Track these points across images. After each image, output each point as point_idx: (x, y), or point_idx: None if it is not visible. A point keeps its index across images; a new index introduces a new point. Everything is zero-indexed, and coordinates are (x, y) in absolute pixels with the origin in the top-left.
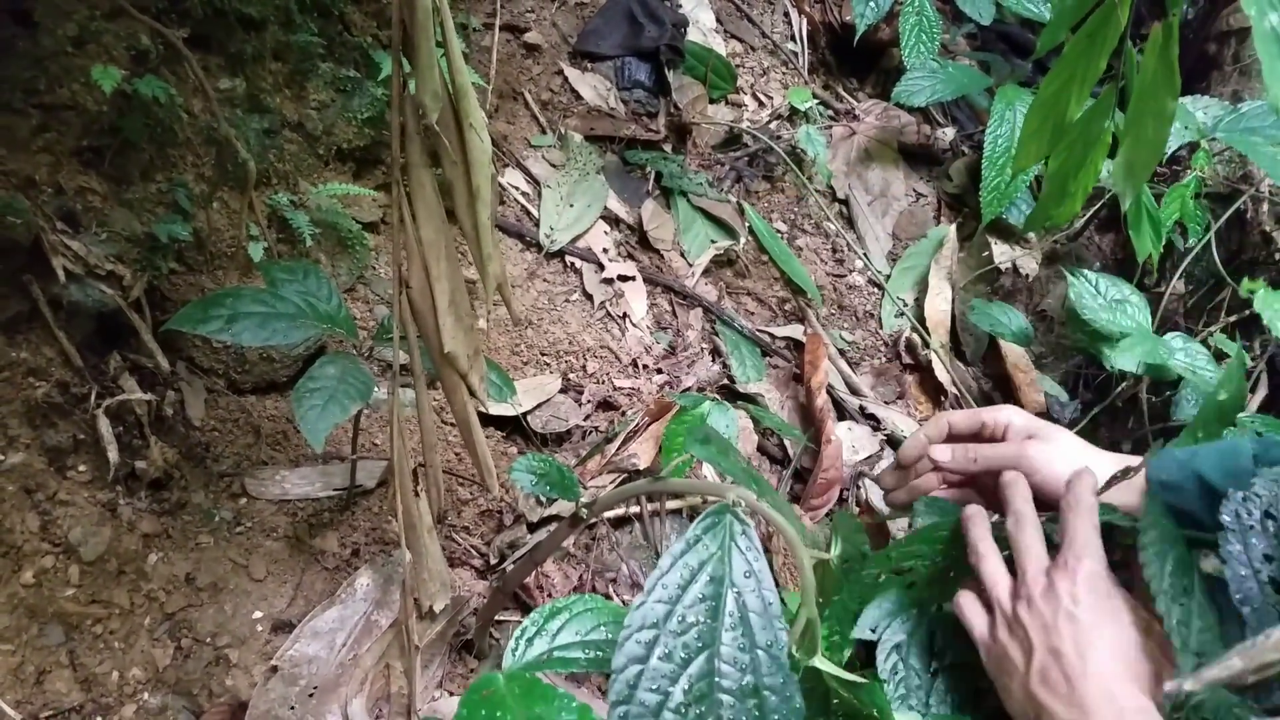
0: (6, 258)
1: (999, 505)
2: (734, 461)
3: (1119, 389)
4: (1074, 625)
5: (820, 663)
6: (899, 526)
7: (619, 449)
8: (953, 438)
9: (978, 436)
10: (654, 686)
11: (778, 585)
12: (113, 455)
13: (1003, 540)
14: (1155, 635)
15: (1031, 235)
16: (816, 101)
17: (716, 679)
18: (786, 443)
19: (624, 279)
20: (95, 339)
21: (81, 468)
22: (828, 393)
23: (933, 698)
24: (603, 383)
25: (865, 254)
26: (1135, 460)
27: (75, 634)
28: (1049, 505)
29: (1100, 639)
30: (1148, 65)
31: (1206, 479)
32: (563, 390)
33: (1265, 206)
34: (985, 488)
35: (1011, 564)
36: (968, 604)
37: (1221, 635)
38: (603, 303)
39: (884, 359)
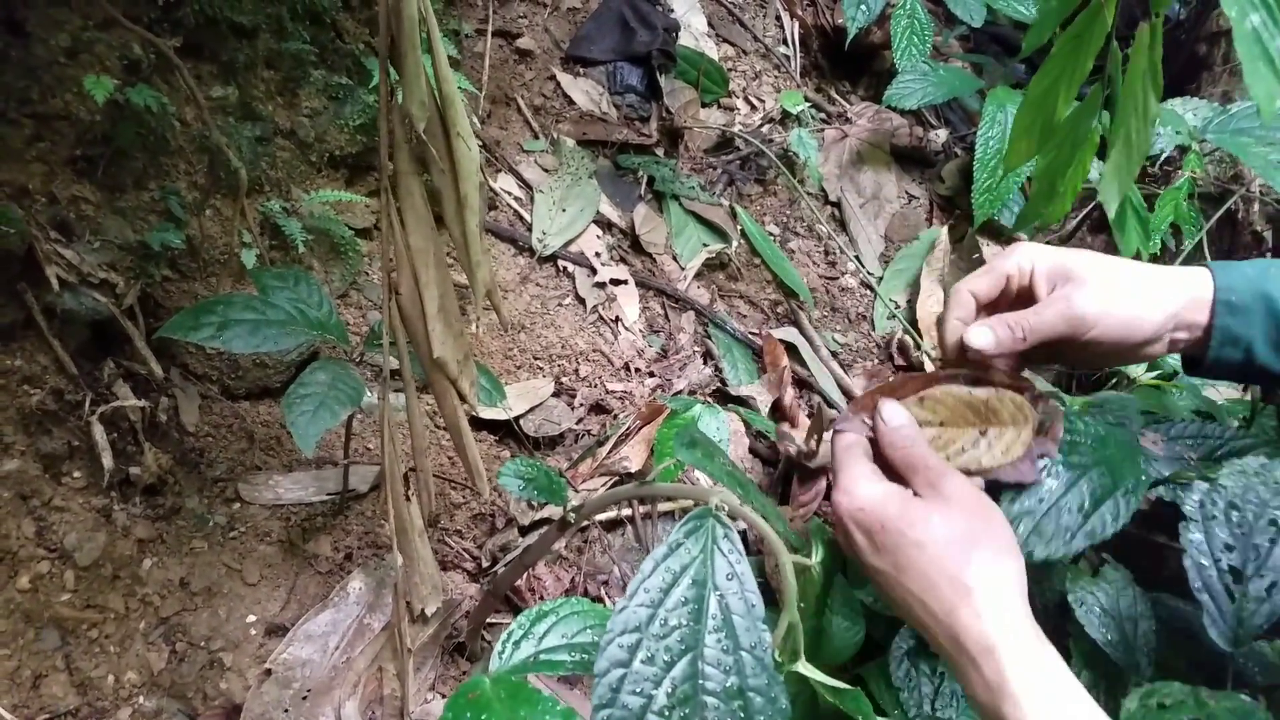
0: (1, 267)
1: (1045, 360)
2: (719, 465)
3: (1111, 385)
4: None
5: (804, 668)
6: None
7: (611, 452)
8: (982, 308)
9: (1005, 294)
10: (637, 689)
11: (769, 588)
12: (107, 461)
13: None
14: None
15: (1023, 236)
16: (808, 104)
17: (700, 681)
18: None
19: (616, 283)
20: (89, 346)
21: (76, 474)
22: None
23: (938, 701)
24: (595, 386)
25: (857, 256)
26: (1203, 276)
27: (71, 638)
28: (1118, 357)
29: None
30: (1134, 66)
31: (1275, 301)
32: (555, 394)
33: (1256, 206)
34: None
35: None
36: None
37: None
38: (595, 307)
39: (876, 361)
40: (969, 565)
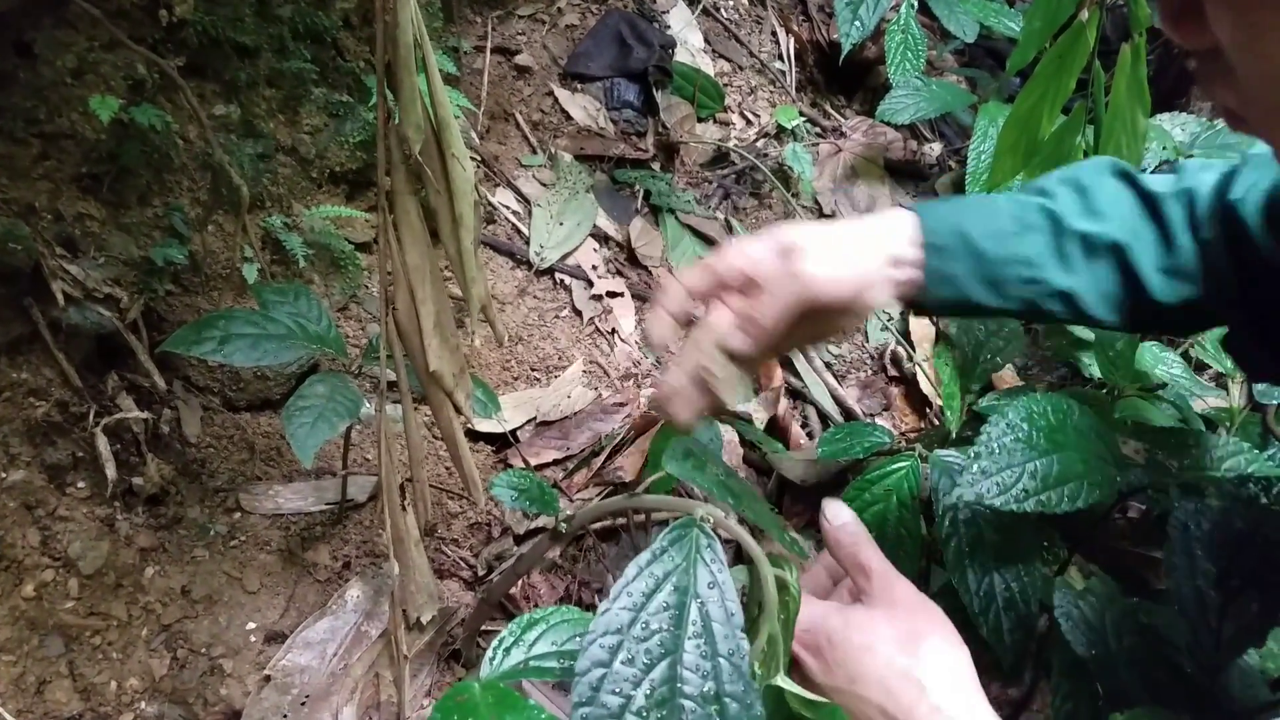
0: (8, 283)
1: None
2: (710, 475)
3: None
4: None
5: (782, 681)
6: None
7: (605, 463)
8: (697, 300)
9: (724, 289)
10: (616, 689)
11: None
12: (111, 472)
13: None
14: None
15: None
16: (803, 119)
17: (679, 685)
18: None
19: (613, 295)
20: (94, 359)
21: (80, 484)
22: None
23: None
24: None
25: None
26: (908, 218)
27: (75, 645)
28: (853, 315)
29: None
30: (1118, 85)
31: (972, 240)
32: None
33: None
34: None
35: None
36: None
37: None
38: (592, 319)
39: (870, 372)
40: (920, 659)
